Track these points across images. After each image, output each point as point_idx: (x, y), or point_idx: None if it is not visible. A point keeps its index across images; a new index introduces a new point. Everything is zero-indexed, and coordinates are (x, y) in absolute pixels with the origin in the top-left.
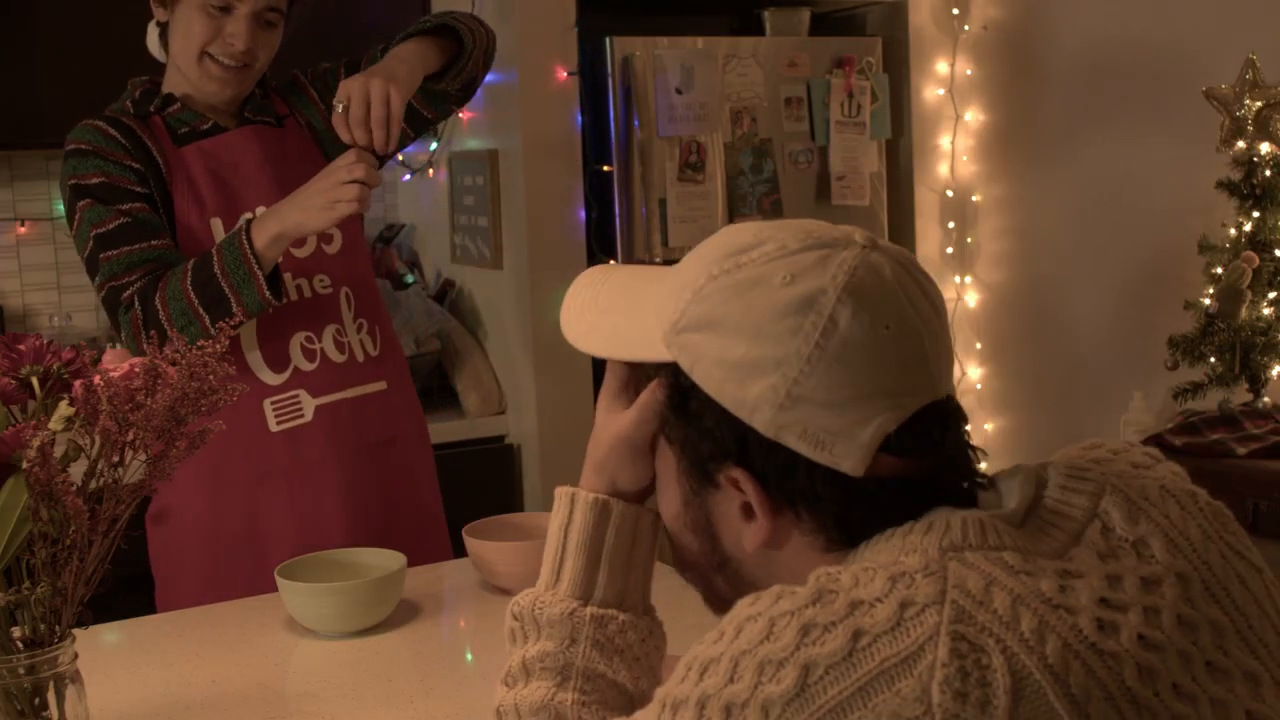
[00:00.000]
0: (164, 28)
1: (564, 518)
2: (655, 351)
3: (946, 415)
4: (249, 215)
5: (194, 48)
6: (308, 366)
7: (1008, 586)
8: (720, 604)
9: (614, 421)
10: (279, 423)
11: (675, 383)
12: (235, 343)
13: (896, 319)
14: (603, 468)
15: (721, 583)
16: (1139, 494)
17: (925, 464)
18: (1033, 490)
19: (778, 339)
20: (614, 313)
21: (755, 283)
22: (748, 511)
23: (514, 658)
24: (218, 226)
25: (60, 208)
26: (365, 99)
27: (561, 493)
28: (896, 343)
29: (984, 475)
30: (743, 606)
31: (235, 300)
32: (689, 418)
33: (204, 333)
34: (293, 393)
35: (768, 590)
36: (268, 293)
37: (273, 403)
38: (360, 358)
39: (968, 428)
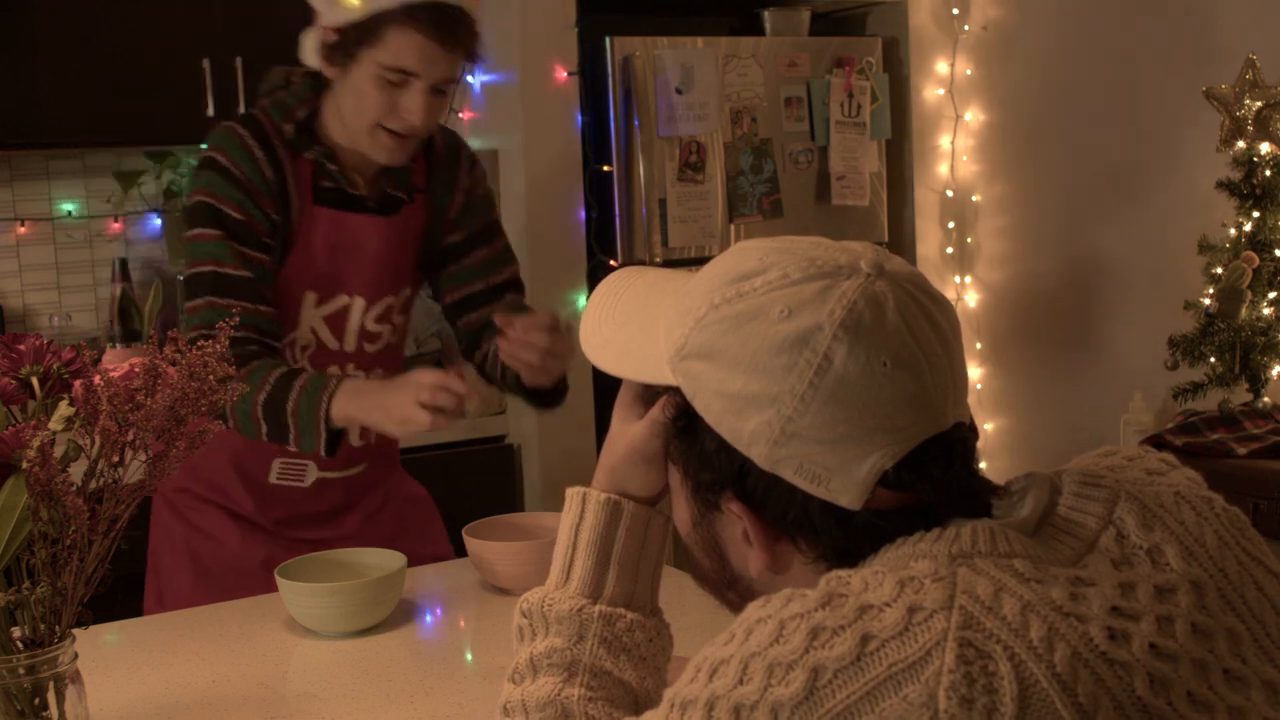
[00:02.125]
0: (327, 49)
1: (575, 517)
2: (661, 375)
3: (950, 448)
4: (338, 373)
5: (367, 118)
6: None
7: (1018, 594)
8: (736, 613)
9: (627, 430)
10: (278, 479)
11: (681, 404)
12: None
13: (894, 354)
14: (614, 472)
15: (734, 597)
16: (1154, 501)
17: (925, 497)
18: (1046, 498)
19: (773, 375)
20: (628, 327)
21: (754, 314)
22: (749, 538)
23: (521, 655)
24: (309, 300)
25: (62, 208)
26: (541, 360)
27: (573, 493)
28: (893, 379)
29: (995, 489)
30: (753, 609)
31: (295, 438)
32: (691, 441)
33: (258, 438)
34: (303, 462)
35: (778, 593)
36: (324, 450)
37: (282, 463)
38: (374, 438)
39: (977, 453)
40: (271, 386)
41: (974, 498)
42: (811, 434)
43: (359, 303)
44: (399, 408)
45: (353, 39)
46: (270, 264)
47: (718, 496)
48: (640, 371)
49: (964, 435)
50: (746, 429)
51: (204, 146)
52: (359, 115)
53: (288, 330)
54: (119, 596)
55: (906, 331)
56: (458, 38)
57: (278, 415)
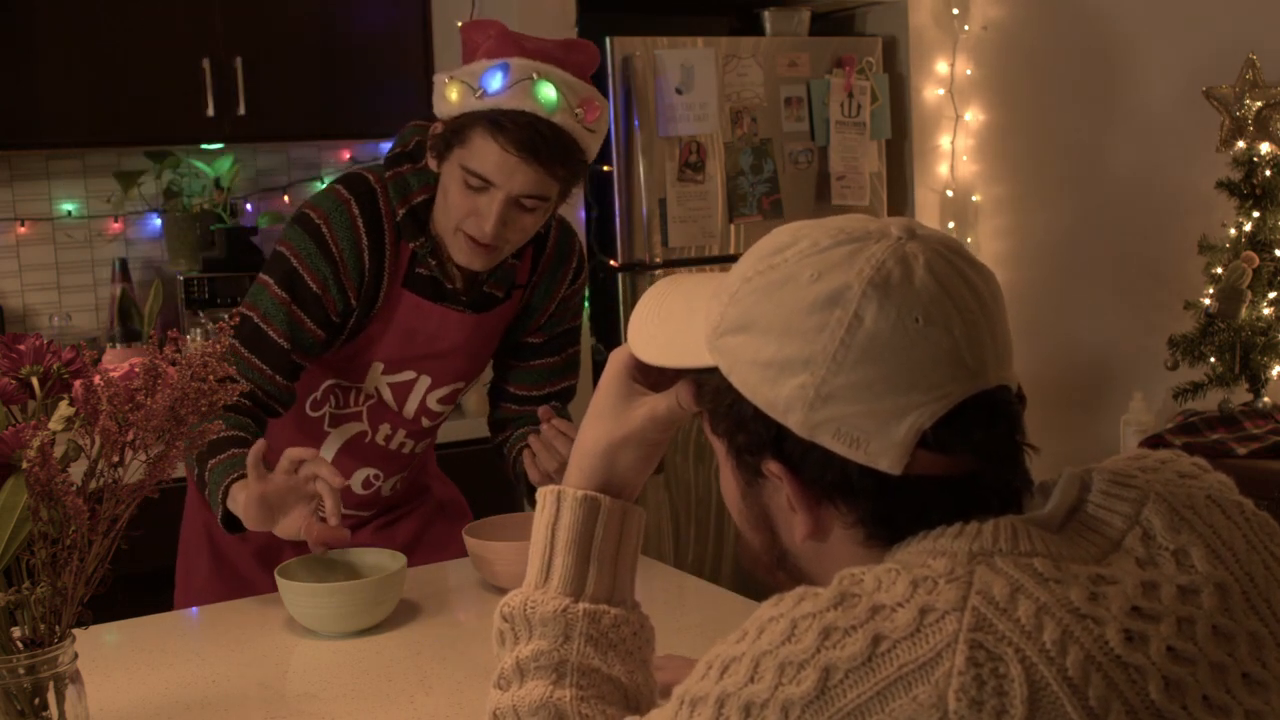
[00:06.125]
0: (432, 140)
1: (551, 516)
2: (700, 357)
3: (992, 408)
4: (235, 487)
5: (450, 219)
6: (360, 492)
7: (1034, 595)
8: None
9: (628, 414)
10: None
11: (715, 383)
12: (317, 431)
13: (926, 310)
14: (605, 455)
15: (784, 578)
16: (1184, 503)
17: (967, 461)
18: (1075, 494)
19: (805, 337)
20: (672, 321)
21: (784, 282)
22: (791, 504)
23: (505, 659)
24: (376, 370)
25: (62, 208)
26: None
27: (546, 492)
28: (927, 335)
29: (1030, 477)
30: (766, 607)
31: (208, 494)
32: (730, 412)
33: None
34: None
35: (791, 592)
36: (222, 525)
37: None
38: (402, 488)
39: (1023, 422)
40: (215, 439)
41: (1018, 464)
42: (847, 394)
43: (426, 380)
44: (287, 527)
45: (449, 136)
46: (323, 339)
47: (758, 460)
48: (681, 358)
49: (1008, 398)
50: (782, 395)
51: (321, 187)
52: (444, 214)
53: (355, 380)
54: (119, 596)
55: (938, 288)
56: (543, 155)
57: (201, 467)
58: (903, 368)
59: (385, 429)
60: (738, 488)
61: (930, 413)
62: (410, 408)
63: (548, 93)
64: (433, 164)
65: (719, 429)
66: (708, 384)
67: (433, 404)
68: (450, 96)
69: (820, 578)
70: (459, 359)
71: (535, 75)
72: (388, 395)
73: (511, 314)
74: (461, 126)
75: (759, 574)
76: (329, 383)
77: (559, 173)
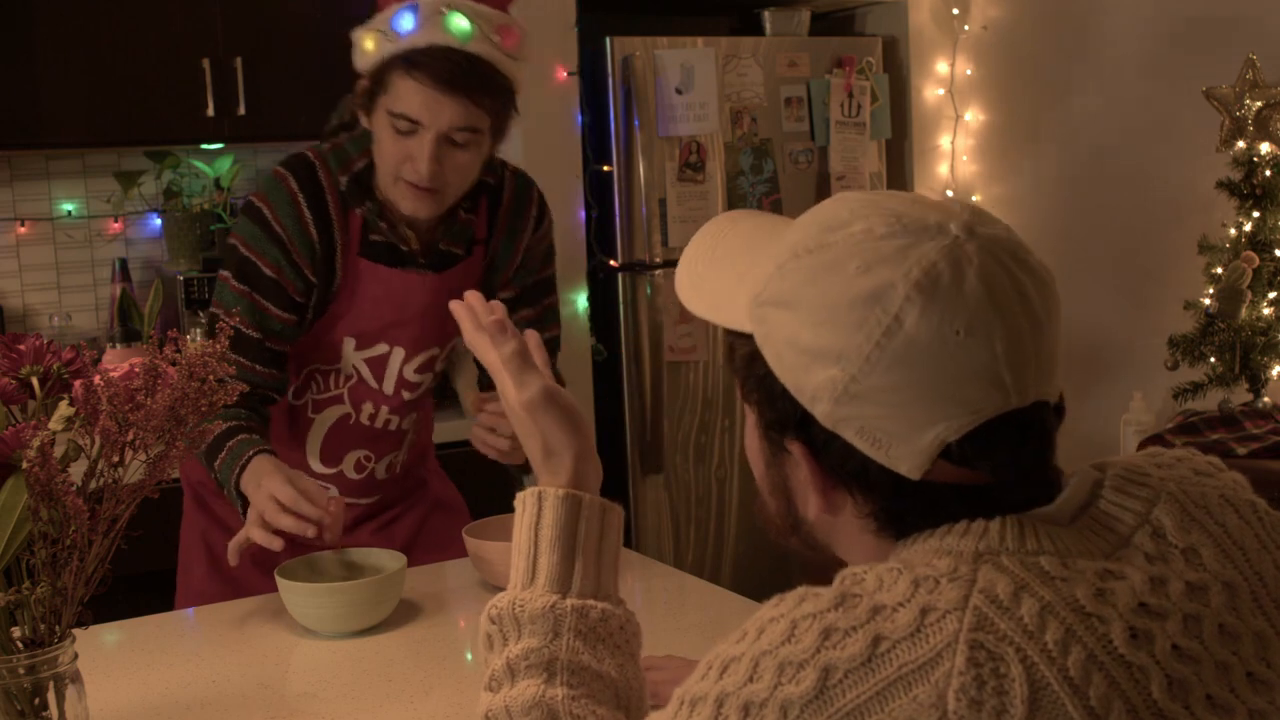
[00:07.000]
0: (359, 96)
1: (533, 517)
2: (737, 320)
3: (1024, 429)
4: (255, 451)
5: (387, 169)
6: (354, 476)
7: (1039, 594)
8: (800, 557)
9: (516, 402)
10: None
11: (749, 350)
12: (303, 419)
13: (969, 322)
14: (547, 447)
15: (798, 543)
16: (1196, 502)
17: (987, 475)
18: (1086, 490)
19: (842, 331)
20: (721, 269)
21: (832, 267)
22: (808, 483)
23: (495, 661)
24: (349, 347)
25: (63, 207)
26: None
27: (526, 495)
28: (966, 348)
29: (1057, 488)
30: (766, 608)
31: (226, 492)
32: (760, 384)
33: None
34: (326, 485)
35: (792, 592)
36: (239, 508)
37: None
38: (399, 472)
39: (1055, 439)
40: (214, 436)
41: (1033, 485)
42: (875, 396)
43: (399, 353)
44: (250, 516)
45: (372, 87)
46: (294, 322)
47: (781, 436)
48: (719, 314)
49: (1043, 416)
50: (811, 384)
51: (272, 176)
52: (381, 165)
53: (331, 362)
54: (119, 596)
55: (987, 299)
56: (464, 85)
57: (209, 466)
58: (936, 378)
59: (368, 407)
60: (762, 456)
61: (958, 426)
62: (389, 383)
63: (460, 23)
64: (363, 120)
65: (750, 398)
66: (740, 348)
67: (410, 375)
68: (366, 47)
69: (832, 549)
70: (428, 323)
71: (444, 9)
72: (365, 372)
73: (478, 271)
74: (381, 74)
75: (774, 537)
76: (307, 369)
77: (485, 103)
